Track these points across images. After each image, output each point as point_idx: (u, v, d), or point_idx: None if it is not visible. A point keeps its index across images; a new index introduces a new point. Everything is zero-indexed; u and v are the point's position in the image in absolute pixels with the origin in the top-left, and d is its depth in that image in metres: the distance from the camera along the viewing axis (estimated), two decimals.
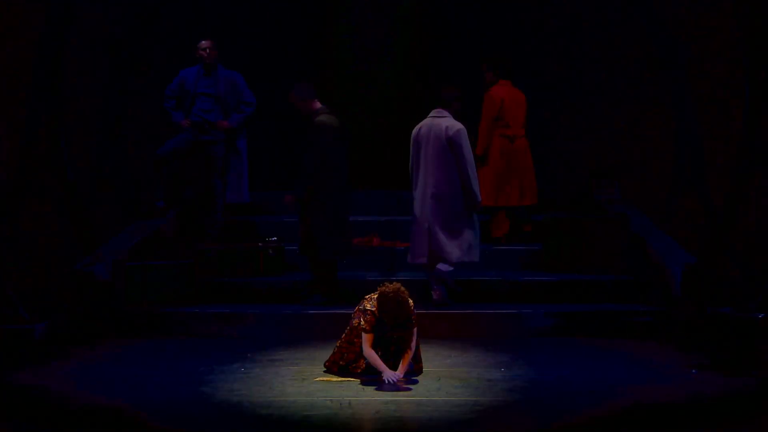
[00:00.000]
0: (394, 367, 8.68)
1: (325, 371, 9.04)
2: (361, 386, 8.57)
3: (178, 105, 12.30)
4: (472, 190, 10.90)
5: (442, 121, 11.01)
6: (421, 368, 9.05)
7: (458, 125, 10.96)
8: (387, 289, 8.60)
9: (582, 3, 13.56)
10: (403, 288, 8.64)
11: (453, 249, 10.93)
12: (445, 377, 8.88)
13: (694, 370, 9.13)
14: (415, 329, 8.78)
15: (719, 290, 10.39)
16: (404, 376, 8.66)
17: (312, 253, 11.04)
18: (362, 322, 8.73)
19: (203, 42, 12.25)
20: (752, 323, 9.25)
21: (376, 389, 8.50)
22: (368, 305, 8.76)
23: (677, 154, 12.50)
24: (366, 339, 8.68)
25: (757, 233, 10.89)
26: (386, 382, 8.54)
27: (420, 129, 11.13)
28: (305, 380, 8.79)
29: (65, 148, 11.58)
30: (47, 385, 8.68)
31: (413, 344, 8.78)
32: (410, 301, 8.73)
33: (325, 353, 9.26)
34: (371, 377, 8.72)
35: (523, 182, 12.30)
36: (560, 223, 12.01)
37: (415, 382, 8.72)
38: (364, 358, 8.78)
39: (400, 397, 8.27)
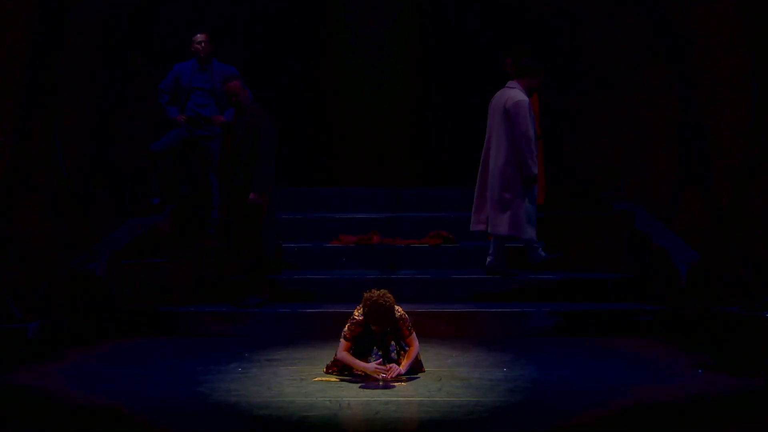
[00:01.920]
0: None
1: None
2: (360, 387, 8.50)
3: (172, 100, 12.25)
4: (525, 163, 11.04)
5: (508, 92, 11.21)
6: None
7: (519, 97, 11.09)
8: (371, 295, 8.57)
9: (584, 0, 13.49)
10: (389, 294, 8.59)
11: (500, 221, 11.15)
12: (446, 377, 8.82)
13: (700, 370, 9.07)
14: (414, 335, 8.76)
15: (725, 288, 10.37)
16: (405, 375, 8.62)
17: (250, 251, 10.86)
18: (345, 329, 8.71)
19: (198, 35, 12.19)
20: (759, 322, 9.20)
21: (360, 387, 8.45)
22: (356, 313, 8.72)
23: (682, 151, 12.49)
24: (342, 346, 8.68)
25: (764, 230, 10.85)
26: (378, 377, 8.50)
27: (492, 98, 11.38)
28: (304, 380, 8.71)
29: (60, 145, 11.55)
30: (42, 385, 8.61)
31: (416, 347, 8.75)
32: (399, 308, 8.70)
33: (324, 353, 9.22)
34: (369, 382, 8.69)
35: (541, 182, 12.27)
36: (563, 220, 12.01)
37: (406, 381, 8.67)
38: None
39: (401, 397, 8.20)
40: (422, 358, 9.14)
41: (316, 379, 8.75)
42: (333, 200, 13.14)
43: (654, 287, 11.11)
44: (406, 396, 8.24)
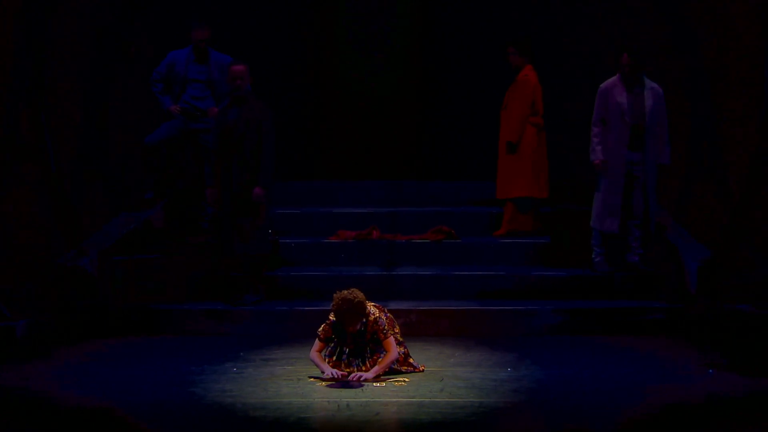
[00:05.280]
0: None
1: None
2: (360, 387, 8.43)
3: (166, 89, 12.08)
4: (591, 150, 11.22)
5: None
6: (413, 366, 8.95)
7: (601, 85, 11.28)
8: (340, 294, 8.56)
9: None
10: (359, 293, 8.54)
11: (592, 212, 11.23)
12: (448, 377, 8.77)
13: (710, 370, 8.96)
14: (390, 339, 8.68)
15: (737, 286, 10.35)
16: (373, 377, 8.58)
17: (251, 249, 10.71)
18: (320, 328, 8.75)
19: (201, 32, 11.97)
20: None
21: (327, 386, 8.45)
22: (331, 315, 8.70)
23: (692, 144, 12.46)
24: (315, 345, 8.73)
25: None
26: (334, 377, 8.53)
27: None
28: (301, 380, 8.67)
29: (49, 136, 11.42)
30: (30, 386, 8.60)
31: (392, 353, 8.67)
32: (377, 311, 8.68)
33: None
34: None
35: (546, 174, 12.22)
36: (570, 215, 11.96)
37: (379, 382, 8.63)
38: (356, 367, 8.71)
39: (402, 398, 8.15)
40: (423, 357, 9.13)
41: (311, 378, 8.69)
42: (331, 194, 13.05)
43: (663, 284, 11.02)
44: (407, 397, 8.18)
